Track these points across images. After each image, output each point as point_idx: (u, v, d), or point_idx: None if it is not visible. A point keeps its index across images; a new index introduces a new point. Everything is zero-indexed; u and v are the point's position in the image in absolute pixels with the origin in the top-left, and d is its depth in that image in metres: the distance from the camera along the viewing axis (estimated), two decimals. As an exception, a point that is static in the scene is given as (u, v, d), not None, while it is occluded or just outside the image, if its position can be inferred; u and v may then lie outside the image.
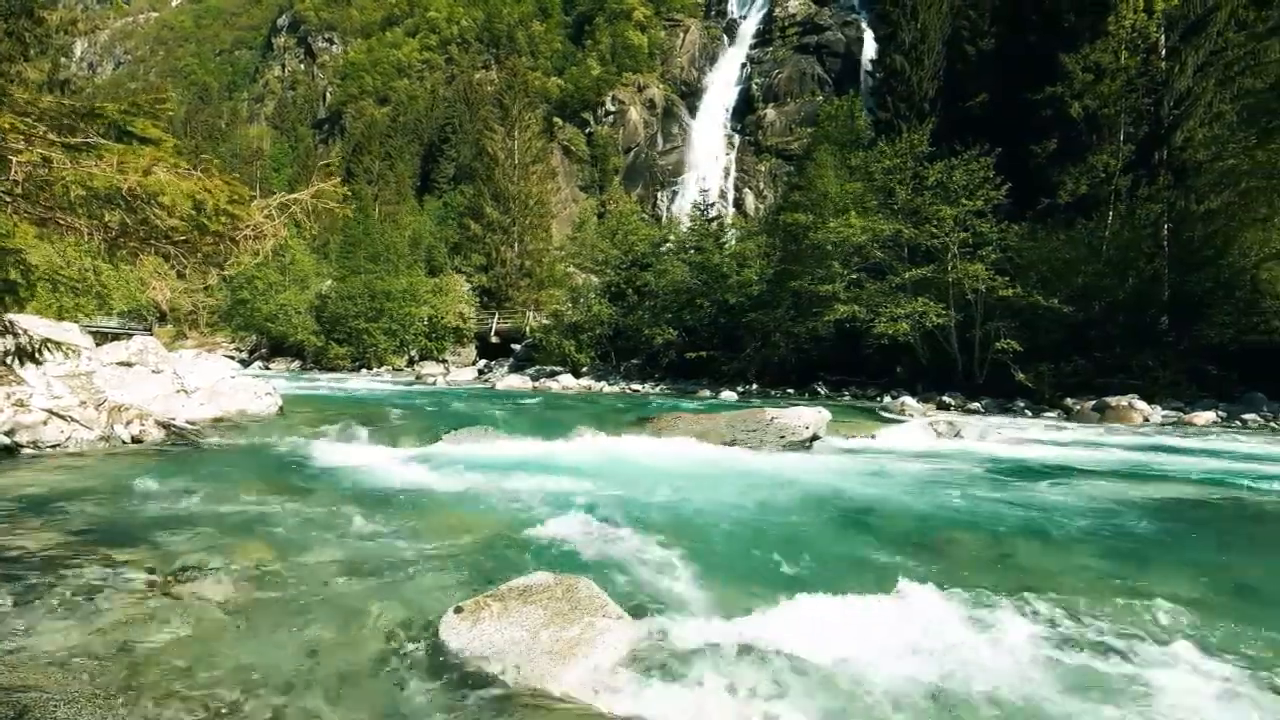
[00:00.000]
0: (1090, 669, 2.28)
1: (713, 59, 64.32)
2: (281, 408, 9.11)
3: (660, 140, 60.70)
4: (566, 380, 20.51)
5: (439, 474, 5.37)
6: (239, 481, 4.87)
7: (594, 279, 26.88)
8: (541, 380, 20.66)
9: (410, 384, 21.09)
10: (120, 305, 31.89)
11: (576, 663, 2.14)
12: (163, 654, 2.20)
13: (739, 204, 53.31)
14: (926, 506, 4.67)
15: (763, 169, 54.35)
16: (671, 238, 25.66)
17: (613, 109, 61.60)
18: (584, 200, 56.45)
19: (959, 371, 15.02)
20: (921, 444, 7.96)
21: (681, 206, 47.99)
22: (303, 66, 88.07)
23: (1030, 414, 12.26)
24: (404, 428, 8.24)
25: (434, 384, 21.42)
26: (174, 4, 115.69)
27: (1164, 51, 15.86)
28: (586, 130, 61.82)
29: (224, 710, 1.87)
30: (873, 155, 17.20)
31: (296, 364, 30.57)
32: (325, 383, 19.74)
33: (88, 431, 6.22)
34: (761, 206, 48.73)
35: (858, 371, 16.84)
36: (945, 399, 13.66)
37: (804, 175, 22.61)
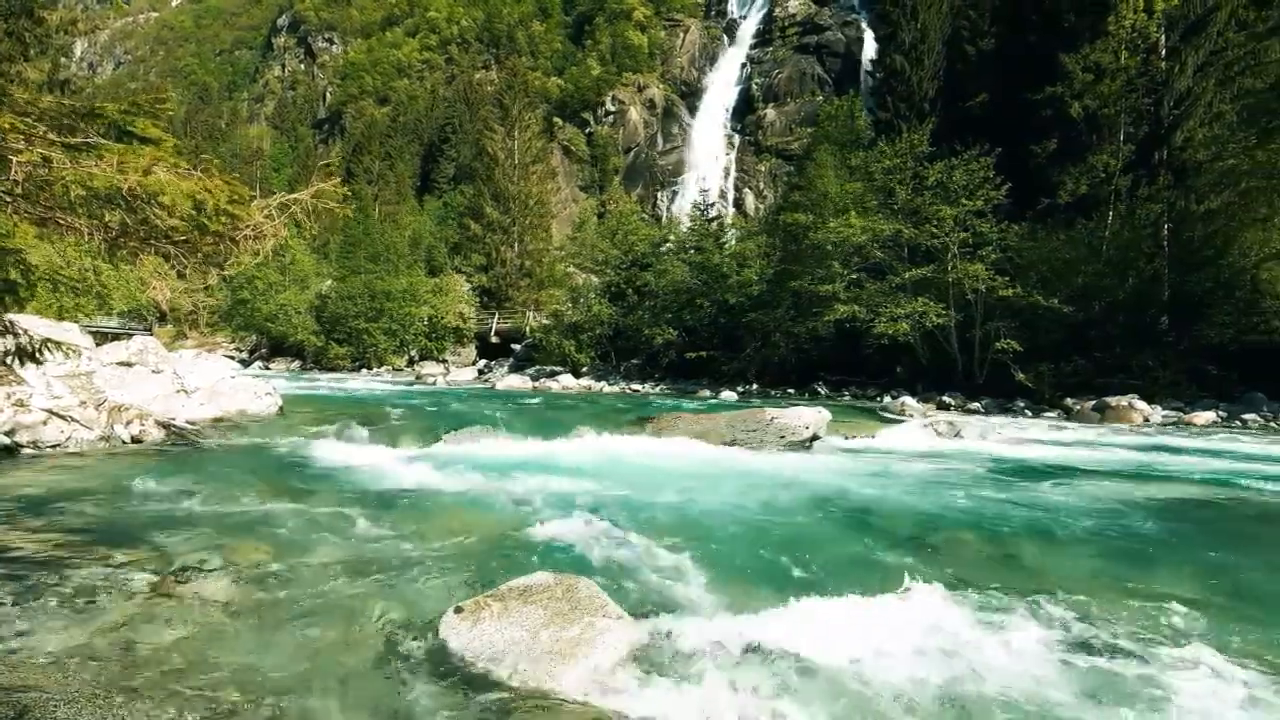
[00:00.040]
0: (1103, 671, 2.26)
1: (713, 59, 64.32)
2: (281, 408, 9.11)
3: (660, 140, 60.71)
4: (566, 380, 20.52)
5: (439, 474, 5.37)
6: (239, 481, 4.87)
7: (594, 279, 26.89)
8: (541, 380, 20.66)
9: (410, 384, 21.09)
10: (120, 305, 31.90)
11: (577, 663, 2.14)
12: (163, 654, 2.20)
13: (739, 204, 53.31)
14: (928, 506, 4.66)
15: (763, 169, 54.35)
16: (671, 238, 25.66)
17: (613, 109, 61.61)
18: (584, 200, 56.46)
19: (959, 371, 15.02)
20: (922, 444, 7.95)
21: (681, 206, 47.99)
22: (303, 66, 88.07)
23: (1030, 414, 12.26)
24: (404, 428, 8.24)
25: (434, 384, 21.42)
26: (174, 4, 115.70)
27: (1164, 51, 15.86)
28: (586, 130, 61.83)
29: (224, 710, 1.87)
30: (873, 155, 17.21)
31: (296, 364, 30.58)
32: (325, 383, 19.74)
33: (88, 431, 6.22)
34: (761, 206, 48.73)
35: (858, 371, 16.84)
36: (945, 399, 13.66)
37: (804, 175, 22.61)
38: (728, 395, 16.09)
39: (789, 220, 18.11)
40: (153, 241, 3.07)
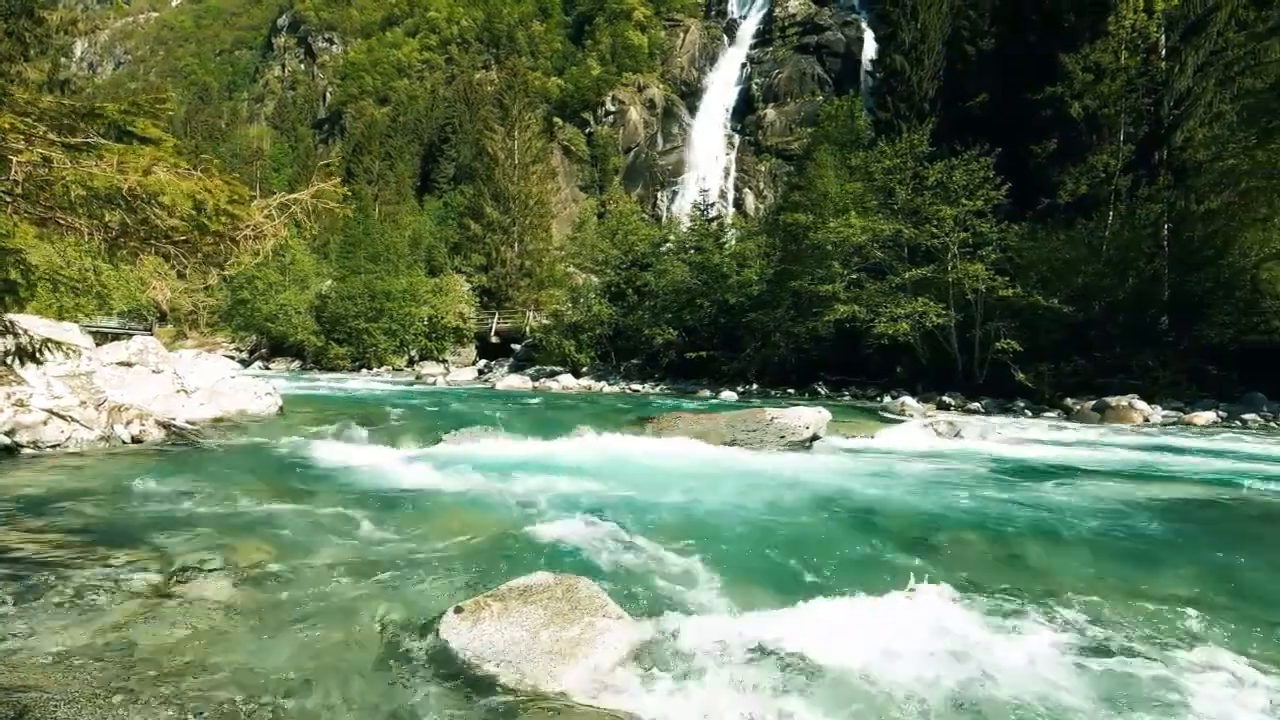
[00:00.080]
0: (1117, 674, 2.23)
1: (713, 59, 64.32)
2: (281, 408, 9.11)
3: (660, 140, 60.70)
4: (566, 380, 20.52)
5: (439, 474, 5.37)
6: (239, 482, 4.87)
7: (594, 279, 26.89)
8: (541, 380, 20.66)
9: (410, 384, 21.09)
10: (120, 305, 31.91)
11: (576, 663, 2.14)
12: (163, 654, 2.20)
13: (739, 204, 53.31)
14: (930, 506, 4.66)
15: (763, 169, 54.35)
16: (671, 238, 25.66)
17: (613, 109, 61.60)
18: (584, 200, 56.46)
19: (959, 371, 15.02)
20: (922, 444, 7.95)
21: (681, 206, 47.99)
22: (303, 66, 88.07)
23: (1030, 414, 12.26)
24: (404, 428, 8.24)
25: (434, 384, 21.42)
26: (174, 4, 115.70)
27: (1164, 51, 15.86)
28: (586, 130, 61.83)
29: (224, 710, 1.87)
30: (873, 155, 17.21)
31: (296, 364, 30.58)
32: (325, 383, 19.74)
33: (88, 431, 6.22)
34: (761, 206, 48.73)
35: (858, 371, 16.84)
36: (945, 399, 13.66)
37: (804, 175, 22.61)
38: (728, 395, 16.09)
39: (789, 220, 18.11)
40: (153, 241, 3.07)
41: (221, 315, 35.55)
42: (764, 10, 62.23)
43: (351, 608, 2.64)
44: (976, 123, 17.42)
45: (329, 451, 6.33)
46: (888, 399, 14.29)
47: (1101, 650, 2.37)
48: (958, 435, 8.44)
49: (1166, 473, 6.24)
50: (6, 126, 2.58)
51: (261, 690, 2.00)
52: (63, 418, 6.08)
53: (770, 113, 56.28)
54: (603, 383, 20.46)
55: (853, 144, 22.41)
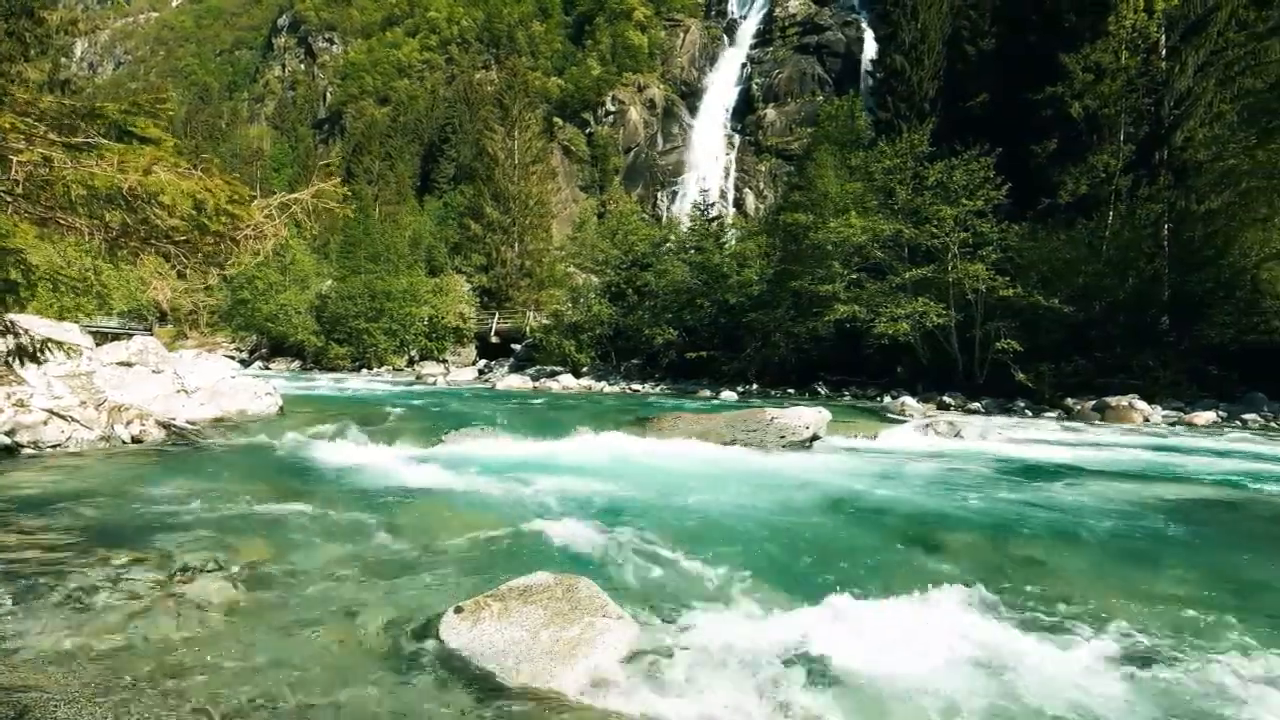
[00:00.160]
0: (1144, 678, 2.17)
1: (713, 59, 64.33)
2: (282, 408, 9.11)
3: (660, 140, 60.71)
4: (567, 380, 20.51)
5: (439, 474, 5.37)
6: (239, 482, 4.87)
7: (594, 279, 26.87)
8: (541, 380, 20.66)
9: (410, 384, 21.08)
10: (120, 305, 31.90)
11: (576, 663, 2.13)
12: (163, 654, 2.20)
13: (739, 204, 53.32)
14: (936, 506, 4.65)
15: (763, 169, 54.37)
16: (671, 238, 25.64)
17: (613, 109, 61.61)
18: (584, 200, 56.46)
19: (959, 371, 15.01)
20: (922, 444, 7.95)
21: (682, 206, 48.01)
22: (303, 66, 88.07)
23: (1030, 414, 12.25)
24: (404, 428, 8.24)
25: (434, 384, 21.42)
26: (174, 4, 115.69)
27: (1164, 51, 15.86)
28: (586, 130, 61.84)
29: (224, 710, 1.87)
30: (873, 155, 17.19)
31: (296, 364, 30.57)
32: (325, 383, 19.74)
33: (88, 431, 6.22)
34: (761, 206, 48.74)
35: (858, 371, 16.83)
36: (945, 399, 13.66)
37: (804, 175, 22.60)
38: (728, 395, 16.08)
39: (789, 220, 18.10)
40: (153, 241, 3.07)
41: (222, 315, 35.53)
42: (764, 10, 62.25)
43: (351, 608, 2.64)
44: (977, 123, 17.41)
45: (329, 451, 6.33)
46: (888, 399, 14.28)
47: (1136, 657, 2.30)
48: (958, 435, 8.44)
49: (1171, 473, 6.23)
50: (7, 126, 2.58)
51: (261, 690, 2.00)
52: (63, 418, 6.08)
53: (770, 113, 56.29)
54: (603, 383, 20.45)
55: (853, 144, 22.39)
